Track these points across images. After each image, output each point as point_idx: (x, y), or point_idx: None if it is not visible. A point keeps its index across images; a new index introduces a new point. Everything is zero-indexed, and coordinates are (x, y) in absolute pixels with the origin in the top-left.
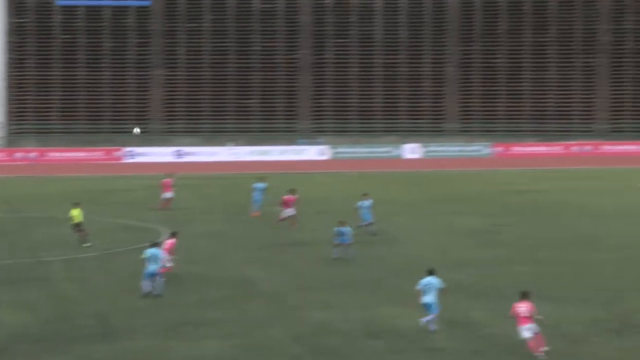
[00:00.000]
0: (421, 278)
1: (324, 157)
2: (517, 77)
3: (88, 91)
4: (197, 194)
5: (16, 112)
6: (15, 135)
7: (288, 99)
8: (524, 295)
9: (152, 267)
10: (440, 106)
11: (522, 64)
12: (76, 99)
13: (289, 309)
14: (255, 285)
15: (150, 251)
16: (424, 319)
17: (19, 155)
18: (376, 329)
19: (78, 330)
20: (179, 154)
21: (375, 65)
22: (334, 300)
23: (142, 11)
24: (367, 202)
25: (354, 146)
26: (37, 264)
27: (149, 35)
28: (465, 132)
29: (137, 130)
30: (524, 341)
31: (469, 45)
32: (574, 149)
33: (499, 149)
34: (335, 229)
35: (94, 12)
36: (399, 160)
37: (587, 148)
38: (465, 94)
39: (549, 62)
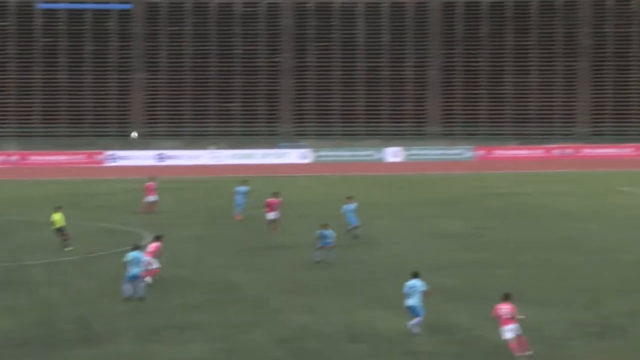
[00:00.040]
0: (404, 281)
1: (306, 161)
2: (499, 80)
3: (69, 94)
4: (179, 197)
5: None
6: None
7: (270, 102)
8: (506, 297)
9: (133, 271)
10: (423, 110)
11: (504, 68)
12: (58, 102)
13: (271, 313)
14: (238, 289)
15: (131, 254)
16: (411, 323)
17: (0, 158)
18: (358, 333)
19: (60, 335)
20: (161, 158)
21: (358, 69)
22: (315, 303)
23: (124, 14)
24: (351, 206)
25: (336, 149)
26: (19, 268)
27: (131, 39)
28: (448, 136)
29: (134, 134)
30: (506, 342)
31: (451, 49)
32: (556, 152)
33: (481, 152)
34: (318, 232)
35: (75, 15)
36: (381, 163)
37: (569, 151)
38: (448, 98)
39: (530, 65)
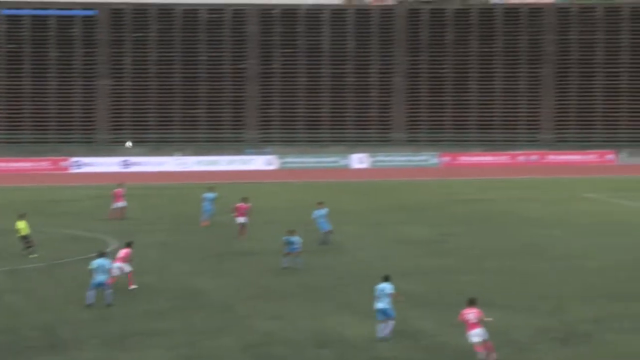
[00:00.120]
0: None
1: (271, 167)
2: (464, 87)
3: (34, 101)
4: (144, 204)
5: None
6: None
7: (235, 108)
8: (471, 302)
9: (99, 278)
10: (388, 116)
11: (469, 74)
12: (22, 109)
13: (238, 319)
14: (204, 295)
15: (97, 262)
16: (384, 331)
17: None
18: (324, 338)
19: (24, 342)
20: (126, 164)
21: (323, 75)
22: (282, 309)
23: (88, 21)
24: (323, 211)
25: (301, 156)
26: None
27: (95, 45)
28: (413, 142)
29: (129, 144)
30: (472, 346)
31: (416, 56)
32: (520, 158)
33: (446, 158)
34: (284, 238)
35: (39, 21)
36: (346, 170)
37: (533, 158)
38: (413, 104)
39: (495, 72)
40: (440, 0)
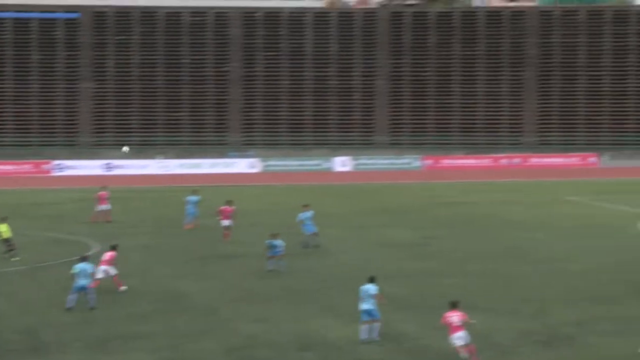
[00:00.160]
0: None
1: (254, 170)
2: (447, 90)
3: (16, 104)
4: (126, 207)
5: None
6: None
7: (218, 111)
8: (454, 305)
9: (81, 282)
10: (371, 119)
11: (451, 77)
12: (4, 112)
13: (221, 322)
14: (187, 298)
15: (79, 266)
16: (374, 333)
17: None
18: (308, 341)
19: (7, 345)
20: (109, 167)
21: (306, 78)
22: (266, 312)
23: (71, 24)
24: (308, 213)
25: (284, 159)
26: None
27: (78, 48)
28: (395, 145)
29: (125, 148)
30: (454, 349)
31: (399, 59)
32: (503, 161)
33: (429, 161)
34: (267, 241)
35: (22, 24)
36: (329, 173)
37: (516, 160)
38: (395, 107)
39: (477, 75)
40: (423, 3)
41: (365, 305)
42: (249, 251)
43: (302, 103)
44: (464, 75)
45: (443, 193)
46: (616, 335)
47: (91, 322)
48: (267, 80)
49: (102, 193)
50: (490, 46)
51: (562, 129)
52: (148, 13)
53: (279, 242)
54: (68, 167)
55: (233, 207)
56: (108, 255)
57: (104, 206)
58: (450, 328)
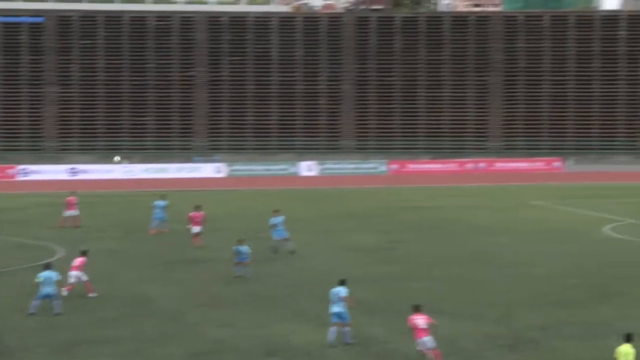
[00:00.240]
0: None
1: (220, 175)
2: (412, 94)
3: None
4: (92, 211)
5: None
6: None
7: (183, 116)
8: (417, 308)
9: (46, 290)
10: (336, 124)
11: (417, 82)
12: None
13: (188, 327)
14: (154, 303)
15: (43, 274)
16: (346, 337)
17: None
18: (274, 346)
19: None
20: (73, 172)
21: (271, 83)
22: (232, 317)
23: (35, 28)
24: (279, 218)
25: (250, 163)
26: None
27: (43, 52)
28: (362, 150)
29: (117, 158)
30: (420, 352)
31: (365, 63)
32: (468, 166)
33: (395, 166)
34: (234, 247)
35: None
36: (295, 177)
37: (481, 165)
38: (361, 112)
39: (443, 80)
40: (389, 8)
41: (335, 308)
42: (216, 256)
43: (268, 107)
44: (430, 80)
45: (409, 197)
46: (580, 339)
47: (56, 327)
48: (233, 84)
49: (71, 198)
50: (455, 51)
51: (527, 134)
52: (113, 17)
53: (244, 248)
54: (33, 172)
55: (202, 213)
56: (78, 260)
57: (72, 212)
58: (416, 331)
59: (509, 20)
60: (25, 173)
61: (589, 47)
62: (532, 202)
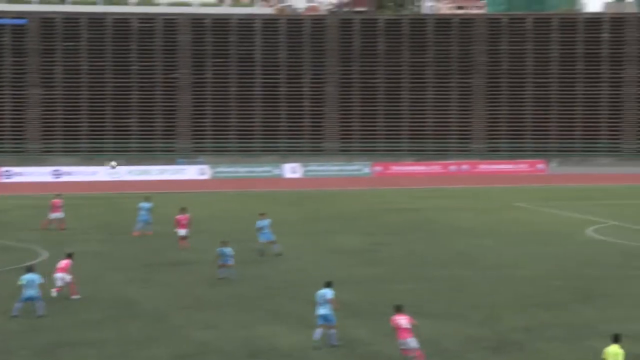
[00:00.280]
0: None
1: (204, 177)
2: (396, 97)
3: None
4: (76, 213)
5: None
6: None
7: (167, 118)
8: (399, 309)
9: (29, 293)
10: (320, 126)
11: (401, 84)
12: None
13: (172, 329)
14: (138, 305)
15: (26, 277)
16: (332, 340)
17: None
18: (258, 348)
19: None
20: (57, 174)
21: (255, 85)
22: (216, 319)
23: (18, 29)
24: (265, 222)
25: (234, 165)
26: None
27: (26, 54)
28: (345, 152)
29: (113, 163)
30: (402, 351)
31: (348, 65)
32: (452, 168)
33: (379, 168)
34: (218, 249)
35: None
36: (279, 179)
37: (465, 167)
38: (345, 114)
39: (426, 82)
40: (372, 10)
41: (321, 310)
42: (200, 258)
43: (252, 110)
44: (414, 82)
45: (393, 199)
46: (564, 340)
47: (39, 329)
48: (216, 86)
49: (56, 201)
50: (439, 53)
51: (510, 136)
52: (96, 19)
53: (228, 250)
54: (16, 174)
55: (188, 215)
56: (64, 263)
57: (57, 214)
58: (399, 331)
59: (492, 22)
60: (9, 175)
61: (572, 49)
62: (515, 204)
